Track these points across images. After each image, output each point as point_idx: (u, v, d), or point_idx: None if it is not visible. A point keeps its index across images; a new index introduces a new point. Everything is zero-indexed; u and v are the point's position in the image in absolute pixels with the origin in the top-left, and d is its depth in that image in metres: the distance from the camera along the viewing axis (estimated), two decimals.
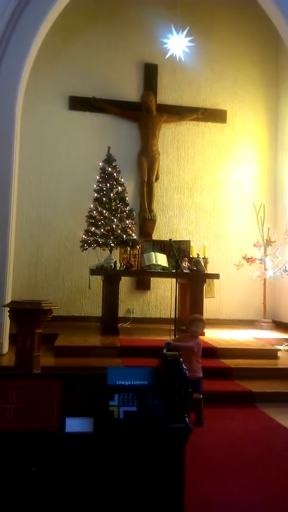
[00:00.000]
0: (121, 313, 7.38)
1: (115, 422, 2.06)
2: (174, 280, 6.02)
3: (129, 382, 2.25)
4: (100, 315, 7.42)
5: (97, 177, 7.14)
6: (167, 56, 7.11)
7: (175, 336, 5.46)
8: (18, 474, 1.97)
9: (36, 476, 1.97)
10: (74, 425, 2.07)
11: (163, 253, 7.36)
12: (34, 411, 2.07)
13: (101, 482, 2.02)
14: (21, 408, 2.07)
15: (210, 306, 7.54)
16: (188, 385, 2.24)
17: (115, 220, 6.90)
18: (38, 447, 1.99)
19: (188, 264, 7.15)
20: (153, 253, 7.26)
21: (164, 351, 3.52)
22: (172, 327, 5.57)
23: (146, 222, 8.42)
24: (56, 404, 2.09)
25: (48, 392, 2.13)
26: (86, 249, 6.99)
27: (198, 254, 7.35)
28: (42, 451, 1.99)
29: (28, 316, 4.51)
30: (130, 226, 7.02)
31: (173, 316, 5.69)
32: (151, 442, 2.06)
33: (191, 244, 7.59)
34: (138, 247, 7.19)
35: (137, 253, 7.26)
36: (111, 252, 6.98)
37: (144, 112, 8.47)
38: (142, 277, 8.11)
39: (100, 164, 7.19)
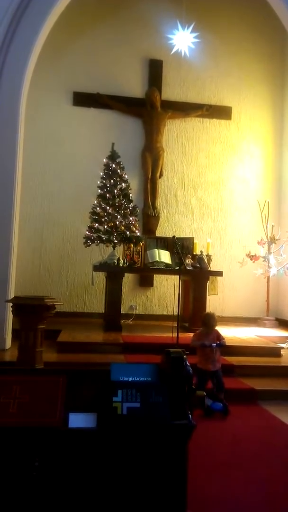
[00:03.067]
0: (124, 309, 7.37)
1: (118, 418, 2.06)
2: (177, 277, 6.00)
3: (133, 378, 2.25)
4: (103, 311, 7.42)
5: (101, 174, 7.13)
6: (172, 52, 7.08)
7: (177, 334, 5.46)
8: (21, 468, 1.97)
9: (39, 471, 1.97)
10: (78, 420, 2.07)
11: (167, 250, 7.35)
12: (37, 407, 2.07)
13: (104, 477, 2.02)
14: (25, 403, 2.08)
15: (213, 304, 7.53)
16: (192, 381, 2.24)
17: (118, 216, 6.89)
18: (41, 442, 1.99)
19: (192, 261, 7.14)
20: (156, 250, 7.25)
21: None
22: (175, 324, 5.57)
23: (150, 218, 8.40)
24: (59, 400, 2.09)
25: (52, 388, 2.13)
26: (89, 245, 6.98)
27: (201, 251, 7.33)
28: (45, 446, 2.00)
29: (31, 311, 4.52)
30: (133, 222, 7.01)
31: (176, 313, 5.68)
32: (154, 438, 2.06)
33: (195, 241, 7.57)
34: (141, 243, 7.17)
35: (140, 250, 7.25)
36: (114, 249, 6.97)
37: (149, 108, 8.44)
38: (145, 274, 8.10)
39: (104, 160, 7.18)
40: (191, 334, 6.34)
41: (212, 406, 4.16)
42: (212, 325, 4.57)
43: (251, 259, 8.12)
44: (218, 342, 4.49)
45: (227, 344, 4.68)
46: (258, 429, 3.99)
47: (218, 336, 4.58)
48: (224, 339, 4.61)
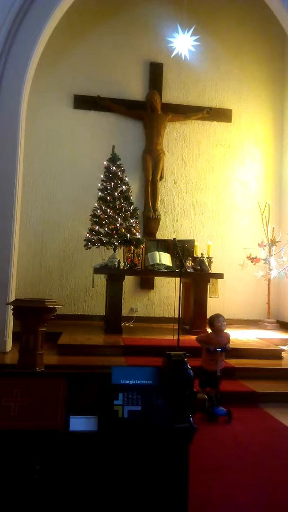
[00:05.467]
0: (124, 312, 7.36)
1: (119, 421, 2.06)
2: (178, 279, 6.00)
3: (134, 382, 2.25)
4: (104, 314, 7.42)
5: (102, 176, 7.14)
6: (172, 55, 7.09)
7: (178, 336, 5.46)
8: (22, 472, 1.97)
9: (40, 474, 1.97)
10: (79, 423, 2.07)
11: (167, 253, 7.35)
12: (38, 410, 2.07)
13: (105, 481, 2.02)
14: (26, 406, 2.07)
15: (214, 306, 7.50)
16: (193, 384, 2.23)
17: (119, 219, 6.89)
18: (42, 445, 1.99)
19: (192, 264, 7.13)
20: (157, 252, 7.25)
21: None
22: (176, 327, 5.57)
23: (150, 221, 8.41)
24: (60, 403, 2.09)
25: (53, 391, 2.13)
26: (90, 248, 6.99)
27: (202, 254, 7.33)
28: (46, 450, 1.99)
29: (31, 314, 4.52)
30: (134, 225, 7.01)
31: (177, 316, 5.68)
32: (155, 441, 2.06)
33: (195, 243, 7.57)
34: (142, 246, 7.16)
35: (141, 252, 7.24)
36: (115, 251, 6.98)
37: (149, 111, 8.45)
38: (146, 277, 8.10)
39: (105, 163, 7.19)
40: (192, 337, 6.37)
41: (215, 411, 4.15)
42: (216, 327, 4.54)
43: (252, 261, 8.11)
44: (223, 347, 4.46)
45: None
46: (259, 431, 3.98)
47: (229, 341, 4.55)
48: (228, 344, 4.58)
